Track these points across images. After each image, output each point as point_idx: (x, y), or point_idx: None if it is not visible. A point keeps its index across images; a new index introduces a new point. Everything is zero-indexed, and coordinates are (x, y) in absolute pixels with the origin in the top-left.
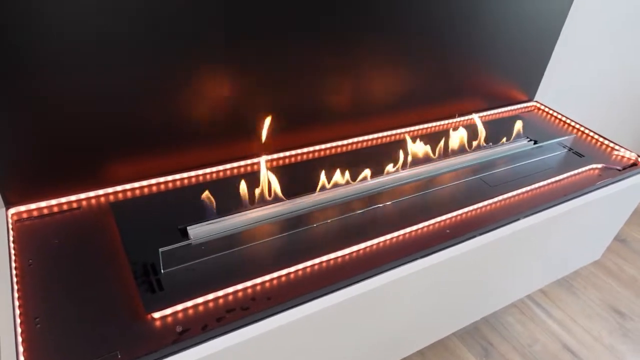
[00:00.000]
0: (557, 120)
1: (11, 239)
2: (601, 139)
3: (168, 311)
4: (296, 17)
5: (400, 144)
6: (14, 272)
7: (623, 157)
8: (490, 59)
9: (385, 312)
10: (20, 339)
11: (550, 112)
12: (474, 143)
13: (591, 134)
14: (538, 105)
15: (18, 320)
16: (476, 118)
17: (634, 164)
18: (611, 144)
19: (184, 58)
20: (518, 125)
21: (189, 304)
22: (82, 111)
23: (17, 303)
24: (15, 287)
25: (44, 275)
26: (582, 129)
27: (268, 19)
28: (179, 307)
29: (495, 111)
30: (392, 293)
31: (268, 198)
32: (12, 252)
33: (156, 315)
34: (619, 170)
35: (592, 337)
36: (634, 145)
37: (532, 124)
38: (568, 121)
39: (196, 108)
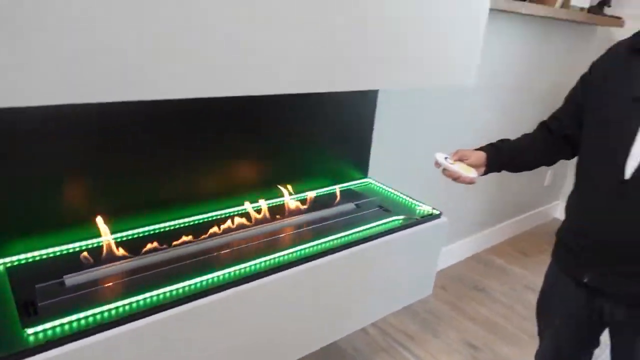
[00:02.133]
0: (382, 190)
1: None
2: (409, 199)
3: (39, 328)
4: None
5: (250, 211)
6: None
7: (424, 210)
8: (330, 149)
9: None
10: None
11: (379, 184)
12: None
13: (403, 196)
14: (371, 180)
15: None
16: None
17: (430, 215)
18: (415, 202)
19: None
20: (348, 193)
21: (56, 322)
22: None
23: None
24: None
25: None
26: (397, 193)
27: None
28: (48, 325)
29: (338, 186)
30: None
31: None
32: None
33: (29, 330)
34: (417, 219)
35: None
36: (434, 202)
37: (361, 194)
38: (389, 189)
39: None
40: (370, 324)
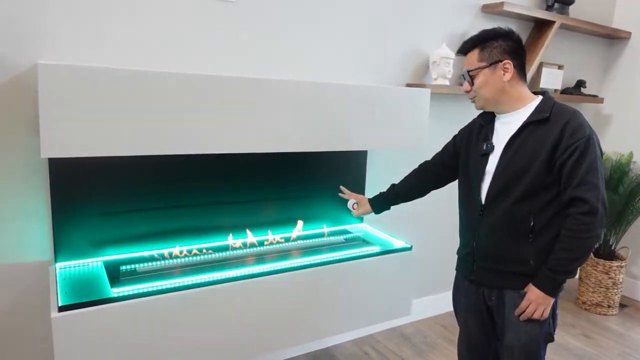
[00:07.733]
0: (371, 231)
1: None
2: (388, 235)
3: (119, 289)
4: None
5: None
6: None
7: (398, 244)
8: (333, 198)
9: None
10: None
11: (371, 227)
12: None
13: (384, 233)
14: (365, 225)
15: None
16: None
17: (405, 248)
18: (394, 238)
19: None
20: (341, 232)
21: (128, 287)
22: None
23: None
24: None
25: None
26: (382, 233)
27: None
28: (124, 288)
29: (337, 227)
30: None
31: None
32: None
33: (114, 290)
34: (389, 251)
35: None
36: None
37: (351, 232)
38: (377, 230)
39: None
40: (370, 347)
